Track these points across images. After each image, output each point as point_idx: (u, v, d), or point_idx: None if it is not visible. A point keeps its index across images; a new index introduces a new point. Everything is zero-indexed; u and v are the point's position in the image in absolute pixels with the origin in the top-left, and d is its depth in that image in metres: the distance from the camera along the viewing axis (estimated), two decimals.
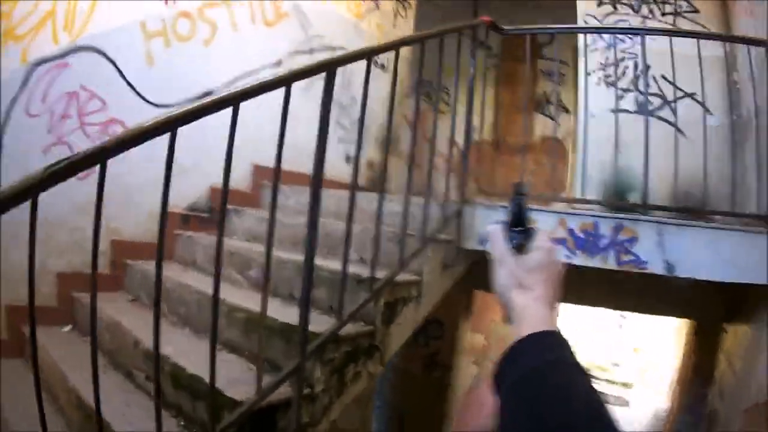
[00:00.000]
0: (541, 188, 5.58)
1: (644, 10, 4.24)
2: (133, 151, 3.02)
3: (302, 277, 1.94)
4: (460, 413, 6.05)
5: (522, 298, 0.75)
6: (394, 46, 2.41)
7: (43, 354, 2.67)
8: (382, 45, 2.52)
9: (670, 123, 3.82)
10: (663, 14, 4.19)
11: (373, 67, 4.50)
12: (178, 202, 3.52)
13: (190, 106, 1.59)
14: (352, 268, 2.22)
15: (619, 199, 3.72)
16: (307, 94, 4.03)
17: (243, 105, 3.47)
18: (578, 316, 11.40)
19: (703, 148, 3.09)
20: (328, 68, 2.00)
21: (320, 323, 2.10)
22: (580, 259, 2.83)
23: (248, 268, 2.94)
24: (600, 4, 4.34)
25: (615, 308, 5.53)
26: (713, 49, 3.59)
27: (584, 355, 13.21)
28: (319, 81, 2.00)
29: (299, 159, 3.79)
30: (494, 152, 5.86)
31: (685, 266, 2.69)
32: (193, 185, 3.59)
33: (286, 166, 3.78)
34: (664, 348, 10.16)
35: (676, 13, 4.16)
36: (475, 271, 3.02)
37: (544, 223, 2.89)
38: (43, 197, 2.69)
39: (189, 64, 3.53)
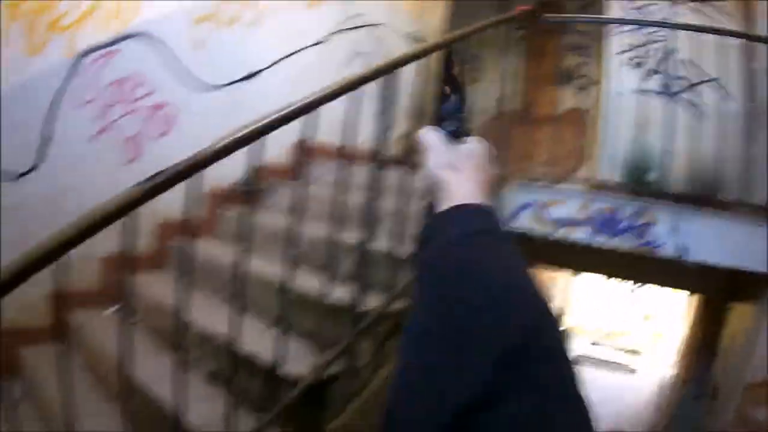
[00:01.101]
0: (564, 159, 5.92)
1: None
2: (182, 128, 3.26)
3: (359, 263, 2.27)
4: None
5: (451, 176, 0.74)
6: (444, 44, 2.65)
7: (90, 339, 2.96)
8: (430, 45, 2.75)
9: (693, 105, 4.03)
10: (690, 0, 4.35)
11: (406, 42, 4.76)
12: (226, 179, 3.81)
13: (268, 119, 1.87)
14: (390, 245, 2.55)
15: (641, 176, 4.00)
16: (347, 68, 4.36)
17: (283, 83, 3.68)
18: (590, 284, 11.81)
19: (719, 131, 3.45)
20: (393, 69, 2.42)
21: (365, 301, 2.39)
22: (600, 240, 3.17)
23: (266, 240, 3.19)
24: None
25: (627, 279, 5.85)
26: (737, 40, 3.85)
27: (595, 321, 13.75)
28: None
29: (339, 132, 4.16)
30: (521, 122, 6.13)
31: (696, 251, 3.02)
32: (239, 162, 3.86)
33: (324, 140, 4.11)
34: (675, 316, 10.48)
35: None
36: None
37: (570, 204, 3.22)
38: (89, 182, 2.99)
39: (236, 46, 3.82)
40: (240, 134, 1.80)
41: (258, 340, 2.43)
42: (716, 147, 3.51)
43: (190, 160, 1.68)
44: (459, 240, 0.63)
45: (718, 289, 3.91)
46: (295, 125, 3.90)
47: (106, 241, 3.12)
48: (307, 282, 2.60)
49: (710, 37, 3.65)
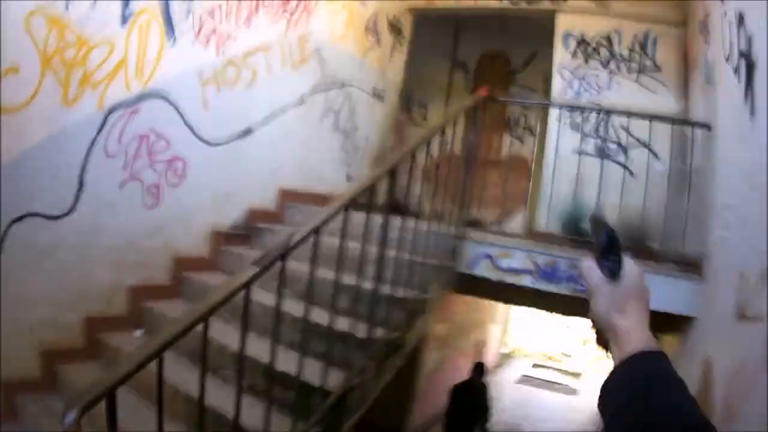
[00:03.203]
0: (501, 201, 7.13)
1: (612, 65, 5.70)
2: (191, 180, 4.14)
3: (369, 303, 3.23)
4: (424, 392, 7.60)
5: (625, 322, 0.87)
6: (429, 136, 3.59)
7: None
8: (419, 141, 3.53)
9: (622, 165, 5.29)
10: (629, 71, 5.66)
11: (370, 97, 5.86)
12: (224, 221, 4.82)
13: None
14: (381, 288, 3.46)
15: (575, 226, 5.14)
16: (321, 124, 5.40)
17: (271, 139, 4.75)
18: (529, 314, 13.23)
19: (648, 189, 4.50)
20: (390, 174, 3.17)
21: (365, 331, 3.35)
22: (542, 286, 4.20)
23: (295, 283, 4.10)
24: (574, 56, 5.84)
25: (567, 315, 6.93)
26: (670, 106, 5.24)
27: (538, 346, 15.18)
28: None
29: (311, 180, 5.21)
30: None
31: None
32: (235, 207, 4.92)
33: (301, 187, 5.10)
34: None
35: (640, 71, 5.62)
36: None
37: (517, 256, 4.27)
38: (117, 224, 4.05)
39: (234, 105, 4.76)
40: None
41: (285, 361, 3.24)
42: (645, 203, 4.57)
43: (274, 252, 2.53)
44: (650, 385, 0.76)
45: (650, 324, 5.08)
46: (279, 175, 4.91)
47: (131, 274, 3.97)
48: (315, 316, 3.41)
49: (643, 105, 4.92)
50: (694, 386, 3.46)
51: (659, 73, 5.59)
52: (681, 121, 4.73)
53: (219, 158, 4.67)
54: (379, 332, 3.44)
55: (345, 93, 5.97)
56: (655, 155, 4.90)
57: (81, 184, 3.79)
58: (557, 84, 5.89)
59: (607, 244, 0.95)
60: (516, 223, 7.10)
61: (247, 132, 4.90)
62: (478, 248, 4.32)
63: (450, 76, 7.89)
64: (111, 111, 3.88)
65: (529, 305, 6.38)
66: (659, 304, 3.87)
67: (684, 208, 4.55)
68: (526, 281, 4.23)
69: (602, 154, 5.29)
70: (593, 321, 0.95)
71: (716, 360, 3.33)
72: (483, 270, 4.29)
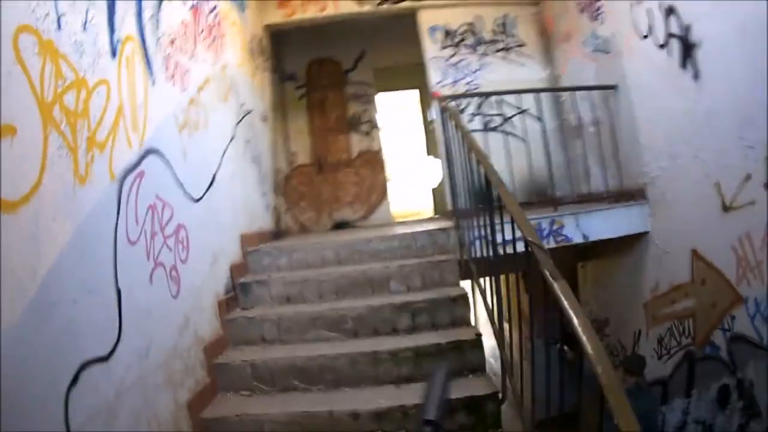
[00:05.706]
0: (363, 196, 7.34)
1: (480, 49, 6.29)
2: (193, 249, 3.73)
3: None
4: None
5: None
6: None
7: None
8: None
9: (511, 133, 5.93)
10: (497, 51, 6.30)
11: (260, 121, 5.61)
12: (219, 288, 4.08)
13: None
14: (414, 296, 4.00)
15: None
16: (245, 157, 5.09)
17: (225, 183, 4.53)
18: None
19: (539, 147, 5.26)
20: None
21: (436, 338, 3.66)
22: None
23: (342, 323, 3.91)
24: (443, 48, 6.29)
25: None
26: (539, 74, 6.11)
27: None
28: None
29: (251, 218, 5.22)
30: (319, 171, 7.33)
31: (593, 233, 4.84)
32: (222, 268, 4.18)
33: (247, 228, 4.71)
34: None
35: (506, 49, 6.32)
36: None
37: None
38: (157, 334, 3.05)
39: (200, 150, 3.97)
40: None
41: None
42: (538, 159, 5.31)
43: None
44: None
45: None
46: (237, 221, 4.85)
47: (182, 387, 3.27)
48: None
49: (515, 77, 5.72)
50: (686, 273, 4.50)
51: (524, 48, 6.38)
52: (590, 87, 5.45)
53: (203, 216, 3.85)
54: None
55: (249, 120, 5.40)
56: (538, 117, 5.65)
57: (119, 295, 2.67)
58: (432, 75, 6.30)
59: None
60: (382, 213, 7.38)
61: (213, 180, 4.14)
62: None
63: (281, 89, 7.65)
64: (123, 179, 2.83)
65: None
66: (617, 231, 4.88)
67: (577, 155, 5.50)
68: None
69: (489, 128, 5.91)
70: None
71: (702, 246, 4.30)
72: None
